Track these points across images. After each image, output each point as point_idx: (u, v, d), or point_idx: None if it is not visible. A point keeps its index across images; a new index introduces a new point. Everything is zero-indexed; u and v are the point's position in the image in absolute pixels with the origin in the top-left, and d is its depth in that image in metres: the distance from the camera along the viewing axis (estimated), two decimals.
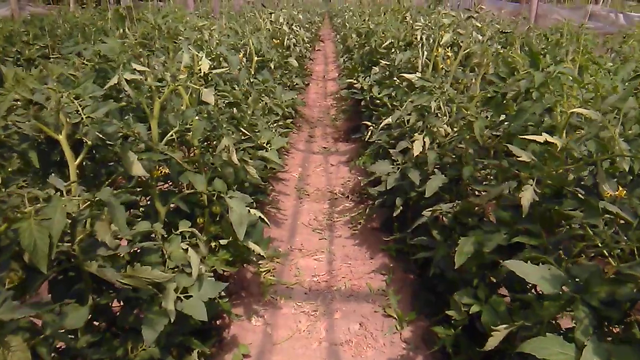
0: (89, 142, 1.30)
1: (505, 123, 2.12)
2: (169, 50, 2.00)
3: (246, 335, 2.65)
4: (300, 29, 7.02)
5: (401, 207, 2.86)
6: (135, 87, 1.69)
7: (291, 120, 5.67)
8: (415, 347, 2.56)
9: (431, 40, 2.97)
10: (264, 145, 2.32)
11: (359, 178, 4.67)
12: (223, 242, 1.99)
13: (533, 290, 1.91)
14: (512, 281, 1.91)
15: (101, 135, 1.34)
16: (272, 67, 4.61)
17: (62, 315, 1.27)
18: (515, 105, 1.99)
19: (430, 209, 2.34)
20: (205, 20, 4.05)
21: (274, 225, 3.94)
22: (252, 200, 2.36)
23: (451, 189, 2.50)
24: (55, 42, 5.89)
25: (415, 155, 2.41)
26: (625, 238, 1.31)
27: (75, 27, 5.09)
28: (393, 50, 4.06)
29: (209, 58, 2.66)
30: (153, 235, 1.72)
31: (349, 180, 4.98)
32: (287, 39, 5.56)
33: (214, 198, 1.87)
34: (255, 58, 4.09)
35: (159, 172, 1.71)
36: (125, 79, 1.58)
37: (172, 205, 1.99)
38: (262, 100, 3.22)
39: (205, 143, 2.24)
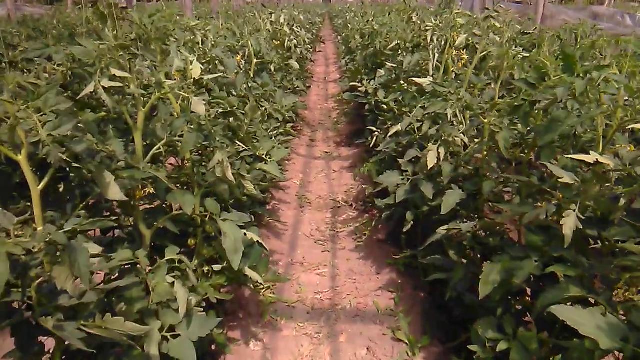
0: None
1: (531, 134, 1.90)
2: (157, 53, 1.78)
3: None
4: (301, 30, 6.81)
5: (412, 222, 2.64)
6: (117, 95, 1.49)
7: (292, 124, 5.46)
8: None
9: (443, 42, 2.76)
10: (263, 156, 2.11)
11: (363, 186, 4.46)
12: (217, 267, 1.78)
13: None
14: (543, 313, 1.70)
15: (67, 156, 1.13)
16: (273, 69, 4.40)
17: None
18: (545, 115, 1.78)
19: (446, 227, 2.13)
20: (203, 20, 3.84)
21: (273, 237, 3.73)
22: (250, 219, 2.15)
23: (468, 204, 2.29)
24: (48, 44, 5.68)
25: (429, 167, 2.20)
26: None
27: (65, 28, 4.88)
28: (400, 52, 3.85)
29: (204, 61, 2.45)
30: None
31: (352, 188, 4.76)
32: (288, 41, 5.35)
33: (207, 219, 1.66)
34: (255, 60, 3.88)
35: (143, 193, 1.51)
36: (103, 87, 1.37)
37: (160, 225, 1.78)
38: (262, 107, 3.01)
39: (198, 155, 2.02)
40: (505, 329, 1.73)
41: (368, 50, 5.40)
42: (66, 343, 1.27)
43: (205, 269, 1.85)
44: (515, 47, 2.40)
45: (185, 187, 2.04)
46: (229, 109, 1.92)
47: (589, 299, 1.41)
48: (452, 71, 3.02)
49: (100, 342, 1.30)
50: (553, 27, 7.83)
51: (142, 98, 1.60)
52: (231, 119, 1.92)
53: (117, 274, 1.44)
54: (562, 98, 1.43)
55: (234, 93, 2.82)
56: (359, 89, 4.08)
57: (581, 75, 1.54)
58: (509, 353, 1.63)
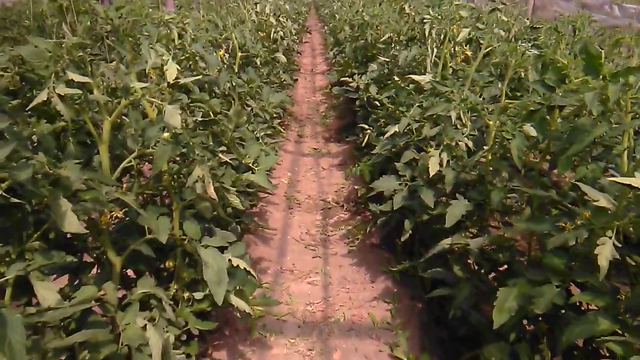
0: None
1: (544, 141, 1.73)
2: (127, 52, 1.55)
3: None
4: (287, 20, 6.55)
5: (410, 231, 2.47)
6: (77, 102, 1.26)
7: (279, 120, 5.24)
8: None
9: (442, 36, 2.56)
10: (250, 165, 1.90)
11: (355, 187, 4.27)
12: (199, 295, 1.58)
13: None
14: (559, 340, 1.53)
15: (8, 184, 0.92)
16: (258, 63, 4.16)
17: None
18: (563, 120, 1.61)
19: (450, 241, 1.96)
20: (182, 12, 3.58)
21: (261, 242, 3.53)
22: (237, 231, 1.95)
23: (472, 213, 2.11)
24: (20, 35, 5.33)
25: (431, 175, 2.01)
26: None
27: (36, 20, 4.54)
28: (393, 45, 3.64)
29: (182, 57, 2.21)
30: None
31: (343, 187, 4.57)
32: (274, 32, 5.11)
33: (186, 242, 1.46)
34: (239, 54, 3.64)
35: (109, 217, 1.29)
36: (59, 94, 1.15)
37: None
38: (248, 106, 2.79)
39: (175, 163, 1.80)
40: (521, 358, 1.57)
41: (358, 42, 5.19)
42: None
43: (186, 294, 1.65)
44: (522, 42, 2.23)
45: (162, 203, 1.83)
46: (210, 116, 1.71)
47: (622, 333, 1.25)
48: (450, 67, 2.83)
49: None
50: (544, 18, 7.70)
51: (109, 104, 1.38)
52: (214, 127, 1.71)
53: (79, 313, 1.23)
54: (592, 105, 1.25)
55: (217, 91, 2.59)
56: (350, 84, 3.87)
57: (608, 77, 1.37)
58: None
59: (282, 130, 5.04)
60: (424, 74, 2.81)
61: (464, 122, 2.06)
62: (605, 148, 1.80)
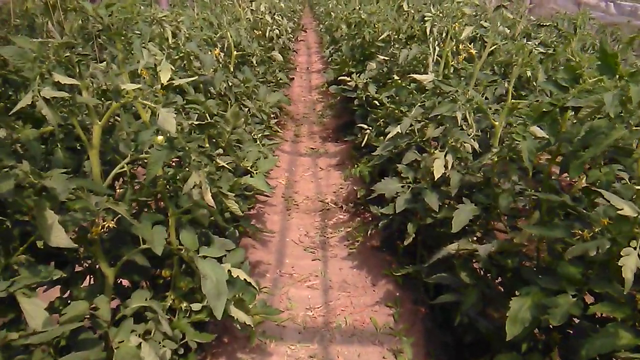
0: None
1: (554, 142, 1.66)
2: (118, 51, 1.47)
3: None
4: (283, 18, 6.47)
5: (413, 235, 2.40)
6: (65, 105, 1.18)
7: (276, 120, 5.16)
8: None
9: (443, 34, 2.49)
10: (249, 168, 1.83)
11: (354, 188, 4.20)
12: (196, 307, 1.50)
13: None
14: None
15: None
16: (254, 62, 4.08)
17: None
18: (575, 122, 1.54)
19: (456, 246, 1.89)
20: (176, 9, 3.49)
21: (260, 245, 3.45)
22: (235, 241, 1.87)
23: (478, 217, 2.05)
24: (10, 34, 5.22)
25: (436, 178, 1.95)
26: None
27: (25, 18, 4.43)
28: (392, 43, 3.57)
29: (177, 57, 2.13)
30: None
31: (341, 188, 4.50)
32: (270, 30, 5.02)
33: (182, 254, 1.38)
34: (235, 53, 3.55)
35: (100, 228, 1.21)
36: (44, 97, 1.07)
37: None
38: (245, 106, 2.71)
39: (170, 167, 1.72)
40: None
41: (355, 40, 5.11)
42: None
43: (184, 305, 1.57)
44: (527, 40, 2.16)
45: (157, 207, 1.75)
46: (207, 118, 1.63)
47: None
48: (452, 65, 2.76)
49: None
50: (541, 15, 7.65)
51: (100, 107, 1.30)
52: (210, 130, 1.63)
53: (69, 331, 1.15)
54: (612, 106, 1.19)
55: (213, 91, 2.51)
56: (349, 83, 3.80)
57: (626, 77, 1.30)
58: None
59: (279, 130, 4.95)
60: (425, 73, 2.74)
61: (469, 122, 1.99)
62: (618, 150, 1.73)
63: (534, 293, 1.43)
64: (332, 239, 3.63)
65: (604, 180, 1.54)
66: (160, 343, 1.34)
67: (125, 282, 1.90)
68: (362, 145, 3.69)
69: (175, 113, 1.27)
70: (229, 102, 2.52)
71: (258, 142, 2.50)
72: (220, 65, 3.16)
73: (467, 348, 2.26)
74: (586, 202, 1.57)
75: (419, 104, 2.52)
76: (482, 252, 1.66)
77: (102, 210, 1.18)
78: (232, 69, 3.49)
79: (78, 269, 1.71)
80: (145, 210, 1.60)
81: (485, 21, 2.30)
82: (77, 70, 1.17)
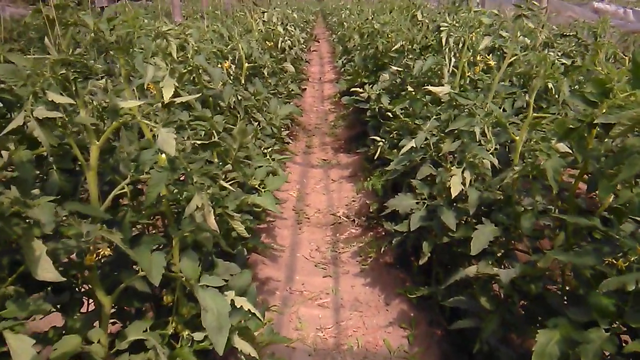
0: None
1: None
2: (121, 66, 1.41)
3: None
4: (295, 29, 6.44)
5: (429, 254, 2.29)
6: (62, 125, 1.12)
7: (287, 131, 5.10)
8: None
9: (459, 44, 2.40)
10: (257, 187, 1.75)
11: (367, 201, 4.10)
12: (199, 336, 1.42)
13: None
14: None
15: None
16: (266, 73, 4.03)
17: None
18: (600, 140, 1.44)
19: (475, 270, 1.78)
20: (183, 23, 3.46)
21: (269, 261, 3.37)
22: (242, 258, 1.79)
23: (498, 237, 1.94)
24: (26, 47, 5.27)
25: (453, 196, 1.85)
26: None
27: (37, 32, 4.47)
28: (406, 54, 3.49)
29: (185, 71, 2.08)
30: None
31: (353, 201, 4.41)
32: (282, 41, 4.98)
33: (183, 281, 1.30)
34: (246, 65, 3.50)
35: (95, 256, 1.14)
36: (37, 118, 1.01)
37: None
38: (255, 120, 2.65)
39: (173, 185, 1.65)
40: None
41: (367, 50, 5.04)
42: None
43: (186, 332, 1.49)
44: (548, 50, 2.06)
45: (161, 225, 1.68)
46: (213, 134, 1.56)
47: None
48: (468, 76, 2.67)
49: None
50: (559, 24, 7.50)
51: (98, 126, 1.24)
52: (215, 150, 1.56)
53: None
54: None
55: (222, 105, 2.45)
56: (361, 94, 3.72)
57: None
58: None
59: (290, 141, 4.89)
60: (440, 85, 2.65)
61: (488, 137, 1.89)
62: None
63: (562, 326, 1.31)
64: (344, 255, 3.53)
65: (636, 201, 1.43)
66: None
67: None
68: (375, 157, 3.61)
69: (177, 132, 1.20)
70: (238, 115, 2.45)
71: (268, 157, 2.43)
72: (231, 77, 3.11)
73: None
74: (617, 225, 1.46)
75: (434, 117, 2.43)
76: (503, 278, 1.55)
77: (97, 236, 1.11)
78: (243, 81, 3.44)
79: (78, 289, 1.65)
80: (147, 231, 1.53)
81: (504, 30, 2.20)
82: (74, 88, 1.10)
